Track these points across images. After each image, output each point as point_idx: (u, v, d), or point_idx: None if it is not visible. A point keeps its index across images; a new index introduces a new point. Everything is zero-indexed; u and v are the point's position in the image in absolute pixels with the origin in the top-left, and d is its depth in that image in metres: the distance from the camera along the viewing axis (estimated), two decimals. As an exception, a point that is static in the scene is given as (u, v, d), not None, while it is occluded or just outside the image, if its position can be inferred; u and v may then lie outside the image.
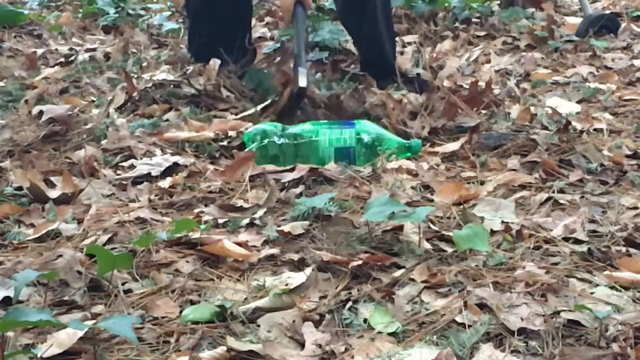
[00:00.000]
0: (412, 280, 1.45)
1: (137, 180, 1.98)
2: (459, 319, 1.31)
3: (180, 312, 1.35)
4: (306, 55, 2.47)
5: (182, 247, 1.60)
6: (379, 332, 1.28)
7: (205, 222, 1.70)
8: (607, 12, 3.97)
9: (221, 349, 1.22)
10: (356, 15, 2.78)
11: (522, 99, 2.64)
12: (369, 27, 2.76)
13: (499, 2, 4.23)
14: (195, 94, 2.53)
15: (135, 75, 2.75)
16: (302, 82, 2.35)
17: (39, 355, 1.20)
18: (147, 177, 1.99)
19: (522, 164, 2.08)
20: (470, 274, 1.46)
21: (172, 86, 2.58)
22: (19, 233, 1.68)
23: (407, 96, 2.51)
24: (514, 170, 2.04)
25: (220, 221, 1.73)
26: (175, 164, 2.05)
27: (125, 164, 2.09)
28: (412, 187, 1.91)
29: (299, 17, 2.50)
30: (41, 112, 2.37)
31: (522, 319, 1.30)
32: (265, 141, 2.10)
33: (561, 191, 1.90)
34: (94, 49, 3.45)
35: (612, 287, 1.43)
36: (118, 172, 2.04)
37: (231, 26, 2.71)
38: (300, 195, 1.85)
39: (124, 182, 1.95)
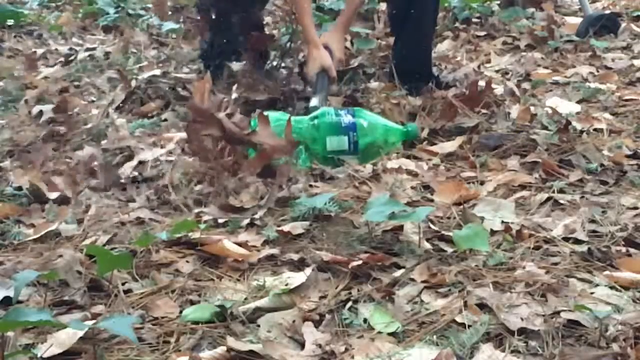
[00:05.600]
0: (412, 280, 1.45)
1: (136, 180, 1.98)
2: (459, 319, 1.31)
3: (180, 312, 1.35)
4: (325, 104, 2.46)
5: (182, 247, 1.60)
6: (379, 332, 1.28)
7: (205, 222, 1.70)
8: (607, 12, 3.97)
9: (221, 349, 1.22)
10: (405, 15, 2.78)
11: (522, 99, 2.64)
12: (416, 26, 2.77)
13: (499, 2, 4.23)
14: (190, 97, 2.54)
15: (136, 76, 2.75)
16: (314, 102, 2.37)
17: (39, 355, 1.20)
18: (147, 177, 1.99)
19: (522, 164, 2.08)
20: (470, 274, 1.47)
21: (168, 88, 2.58)
22: (19, 233, 1.68)
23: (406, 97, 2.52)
24: (514, 170, 2.04)
25: (220, 221, 1.73)
26: (175, 164, 2.05)
27: (125, 164, 2.09)
28: (412, 187, 1.91)
29: (320, 82, 2.51)
30: (41, 112, 2.37)
31: (522, 319, 1.30)
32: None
33: (561, 191, 1.90)
34: (93, 49, 3.45)
35: (612, 287, 1.43)
36: (118, 172, 2.04)
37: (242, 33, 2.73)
38: (300, 195, 1.85)
39: (124, 182, 1.95)
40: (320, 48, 2.57)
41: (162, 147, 2.19)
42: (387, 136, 2.16)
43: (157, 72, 2.68)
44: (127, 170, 2.04)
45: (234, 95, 2.33)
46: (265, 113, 2.19)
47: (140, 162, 2.06)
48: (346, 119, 2.11)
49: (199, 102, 2.08)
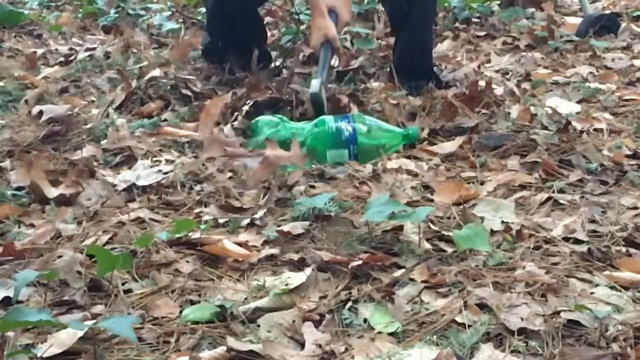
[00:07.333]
0: (412, 280, 1.45)
1: (135, 185, 1.97)
2: (459, 319, 1.31)
3: (180, 312, 1.35)
4: (326, 84, 2.48)
5: (182, 247, 1.60)
6: (379, 332, 1.28)
7: (205, 222, 1.70)
8: (607, 12, 3.97)
9: (221, 349, 1.22)
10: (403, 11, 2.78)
11: (522, 99, 2.64)
12: (416, 26, 2.76)
13: (499, 2, 4.23)
14: (192, 95, 2.54)
15: (137, 75, 2.75)
16: (314, 87, 2.36)
17: (39, 355, 1.20)
18: (147, 178, 1.99)
19: (522, 164, 2.08)
20: (470, 274, 1.47)
21: (169, 87, 2.59)
22: (19, 233, 1.68)
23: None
24: (514, 170, 2.04)
25: (221, 221, 1.73)
26: (174, 165, 2.05)
27: (125, 165, 2.09)
28: (412, 187, 1.92)
29: (323, 55, 2.51)
30: (41, 112, 2.37)
31: (522, 319, 1.30)
32: (280, 129, 2.12)
33: (561, 191, 1.90)
34: (93, 49, 3.45)
35: (612, 287, 1.43)
36: (118, 172, 2.04)
37: (245, 31, 2.74)
38: (300, 195, 1.85)
39: (124, 183, 1.95)
40: (326, 17, 2.53)
41: (162, 147, 2.19)
42: (387, 140, 2.16)
43: (158, 72, 2.68)
44: (127, 170, 2.04)
45: (245, 108, 2.33)
46: (258, 118, 2.20)
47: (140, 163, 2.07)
48: (346, 130, 2.11)
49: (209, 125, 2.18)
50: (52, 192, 1.86)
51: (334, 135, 2.11)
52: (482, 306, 1.35)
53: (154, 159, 2.09)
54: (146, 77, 2.63)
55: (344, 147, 2.11)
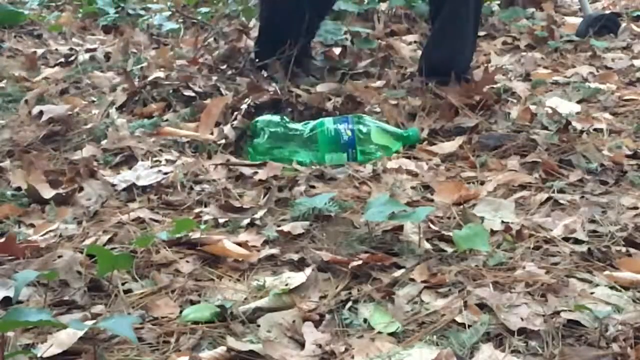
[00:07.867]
0: (412, 280, 1.45)
1: (135, 185, 1.97)
2: (459, 319, 1.31)
3: (180, 312, 1.35)
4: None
5: (182, 247, 1.60)
6: (379, 332, 1.28)
7: (205, 222, 1.70)
8: (607, 12, 3.97)
9: (221, 349, 1.22)
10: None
11: (522, 99, 2.64)
12: (449, 18, 2.71)
13: (499, 2, 4.23)
14: (194, 96, 2.54)
15: (137, 75, 2.75)
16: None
17: (39, 355, 1.20)
18: (147, 178, 1.99)
19: (522, 164, 2.08)
20: (470, 274, 1.47)
21: (171, 90, 2.58)
22: (19, 233, 1.68)
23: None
24: (514, 170, 2.04)
25: (221, 221, 1.73)
26: (174, 165, 2.05)
27: (125, 165, 2.09)
28: (412, 187, 1.92)
29: None
30: (41, 112, 2.37)
31: (522, 319, 1.30)
32: (280, 129, 2.12)
33: (561, 191, 1.90)
34: (94, 49, 3.45)
35: (612, 287, 1.43)
36: (118, 172, 2.04)
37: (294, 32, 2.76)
38: (300, 195, 1.85)
39: (124, 183, 1.95)
40: None
41: (162, 147, 2.19)
42: (387, 143, 2.16)
43: (161, 74, 2.68)
44: (127, 170, 2.04)
45: (244, 107, 2.33)
46: (258, 118, 2.20)
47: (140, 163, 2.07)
48: (345, 134, 2.11)
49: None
50: (49, 194, 1.86)
51: (332, 138, 2.11)
52: (482, 306, 1.35)
53: (154, 159, 2.09)
54: (149, 79, 2.63)
55: (342, 151, 2.11)
